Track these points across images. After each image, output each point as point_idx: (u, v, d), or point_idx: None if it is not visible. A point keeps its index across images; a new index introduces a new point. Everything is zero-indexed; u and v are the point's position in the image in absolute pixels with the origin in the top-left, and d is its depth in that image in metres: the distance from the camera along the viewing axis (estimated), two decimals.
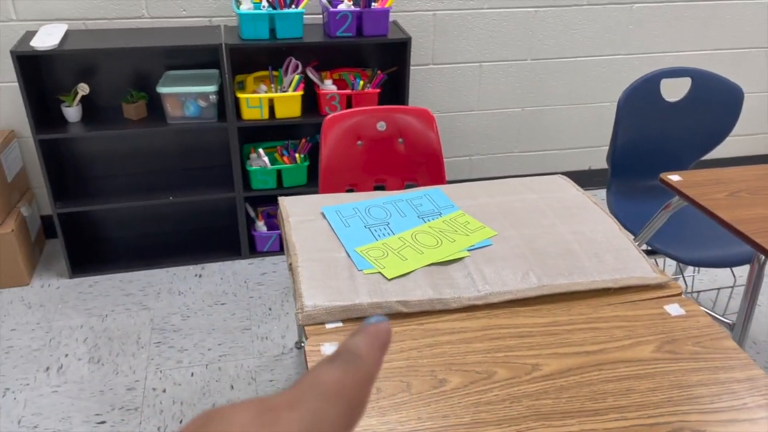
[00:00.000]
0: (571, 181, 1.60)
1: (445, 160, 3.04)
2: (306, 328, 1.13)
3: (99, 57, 2.42)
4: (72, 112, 2.33)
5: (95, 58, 2.42)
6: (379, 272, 1.23)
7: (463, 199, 1.51)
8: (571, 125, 3.10)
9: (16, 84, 2.40)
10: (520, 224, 1.41)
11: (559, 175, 1.65)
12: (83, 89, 2.33)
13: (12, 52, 2.10)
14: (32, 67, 2.28)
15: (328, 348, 1.07)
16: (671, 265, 2.58)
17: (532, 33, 2.81)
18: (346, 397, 0.28)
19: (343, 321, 1.14)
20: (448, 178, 3.06)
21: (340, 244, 1.32)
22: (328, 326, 1.13)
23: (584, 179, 3.27)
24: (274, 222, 2.74)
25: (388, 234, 1.36)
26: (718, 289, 2.49)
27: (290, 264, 1.28)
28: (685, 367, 1.05)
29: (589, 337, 1.11)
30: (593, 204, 1.50)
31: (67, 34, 2.28)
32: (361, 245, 1.32)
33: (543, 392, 0.99)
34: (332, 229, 1.37)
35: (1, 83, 2.40)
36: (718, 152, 3.35)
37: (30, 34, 2.25)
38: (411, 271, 1.24)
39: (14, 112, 2.46)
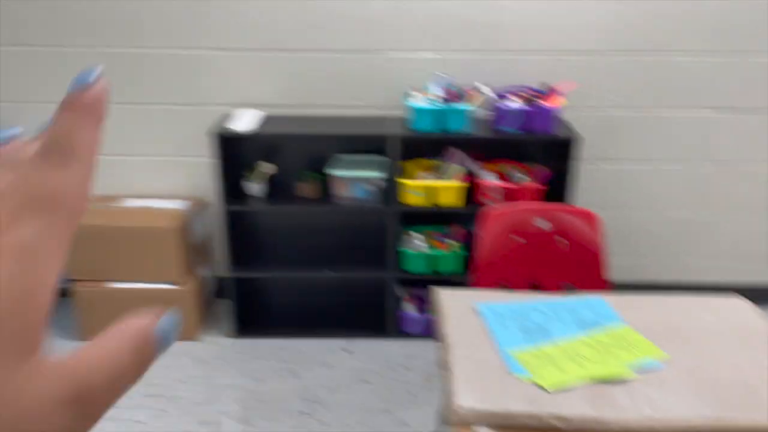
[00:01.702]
0: (751, 304, 1.48)
1: (611, 259, 2.93)
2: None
3: (284, 140, 2.67)
4: (255, 188, 2.57)
5: (279, 141, 2.67)
6: (536, 381, 1.20)
7: (625, 310, 1.45)
8: (750, 233, 2.87)
9: (207, 159, 2.69)
10: (694, 348, 1.32)
11: (737, 296, 1.53)
12: (269, 169, 2.57)
13: (213, 133, 2.38)
14: (226, 146, 2.56)
15: None
16: None
17: (709, 137, 2.69)
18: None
19: (489, 425, 1.13)
20: (614, 278, 2.94)
21: (493, 344, 1.31)
22: (474, 428, 1.12)
23: (765, 293, 2.97)
24: (423, 305, 2.77)
25: (546, 340, 1.33)
26: None
27: (443, 359, 1.29)
28: None
29: None
30: None
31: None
32: (516, 347, 1.30)
33: None
34: (487, 327, 1.37)
35: (199, 158, 2.71)
36: None
37: (224, 117, 2.54)
38: (571, 385, 1.20)
39: (204, 183, 2.76)
